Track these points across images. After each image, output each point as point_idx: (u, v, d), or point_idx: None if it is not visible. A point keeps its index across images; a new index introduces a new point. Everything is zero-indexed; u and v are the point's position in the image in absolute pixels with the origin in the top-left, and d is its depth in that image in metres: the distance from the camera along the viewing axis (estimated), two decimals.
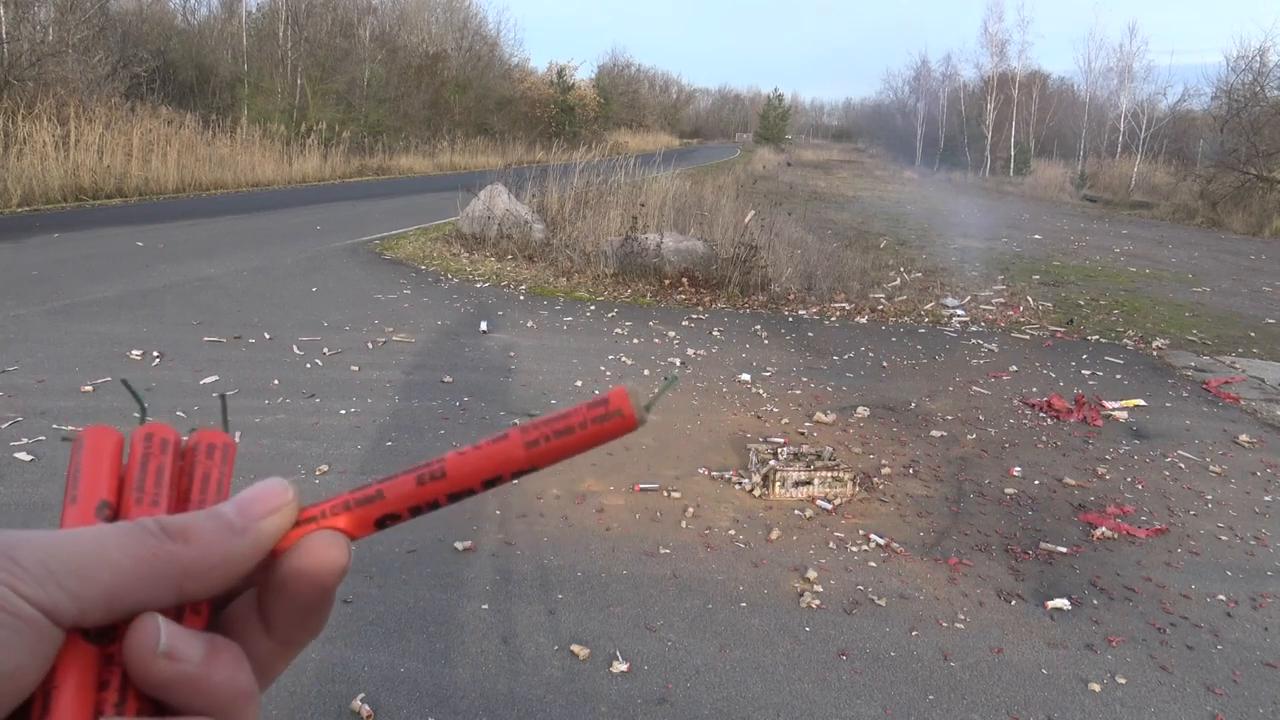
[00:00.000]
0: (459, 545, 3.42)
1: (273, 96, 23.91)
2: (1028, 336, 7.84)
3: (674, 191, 11.70)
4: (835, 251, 10.64)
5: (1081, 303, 9.58)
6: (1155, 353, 7.50)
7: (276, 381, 5.31)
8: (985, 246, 13.88)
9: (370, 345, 6.26)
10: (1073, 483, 4.48)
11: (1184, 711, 2.69)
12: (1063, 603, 3.27)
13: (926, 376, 6.31)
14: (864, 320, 8.17)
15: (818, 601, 3.19)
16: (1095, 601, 3.32)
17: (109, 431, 0.34)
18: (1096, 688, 2.78)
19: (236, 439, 0.36)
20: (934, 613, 3.16)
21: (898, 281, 10.09)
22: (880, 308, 8.69)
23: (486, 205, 11.20)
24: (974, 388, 6.10)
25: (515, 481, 0.33)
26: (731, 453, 4.58)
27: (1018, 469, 4.62)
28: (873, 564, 3.51)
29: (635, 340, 6.88)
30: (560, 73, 40.13)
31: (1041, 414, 5.57)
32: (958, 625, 3.09)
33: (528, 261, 10.10)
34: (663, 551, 3.50)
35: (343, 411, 4.86)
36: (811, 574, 3.37)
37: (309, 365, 5.71)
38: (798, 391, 5.76)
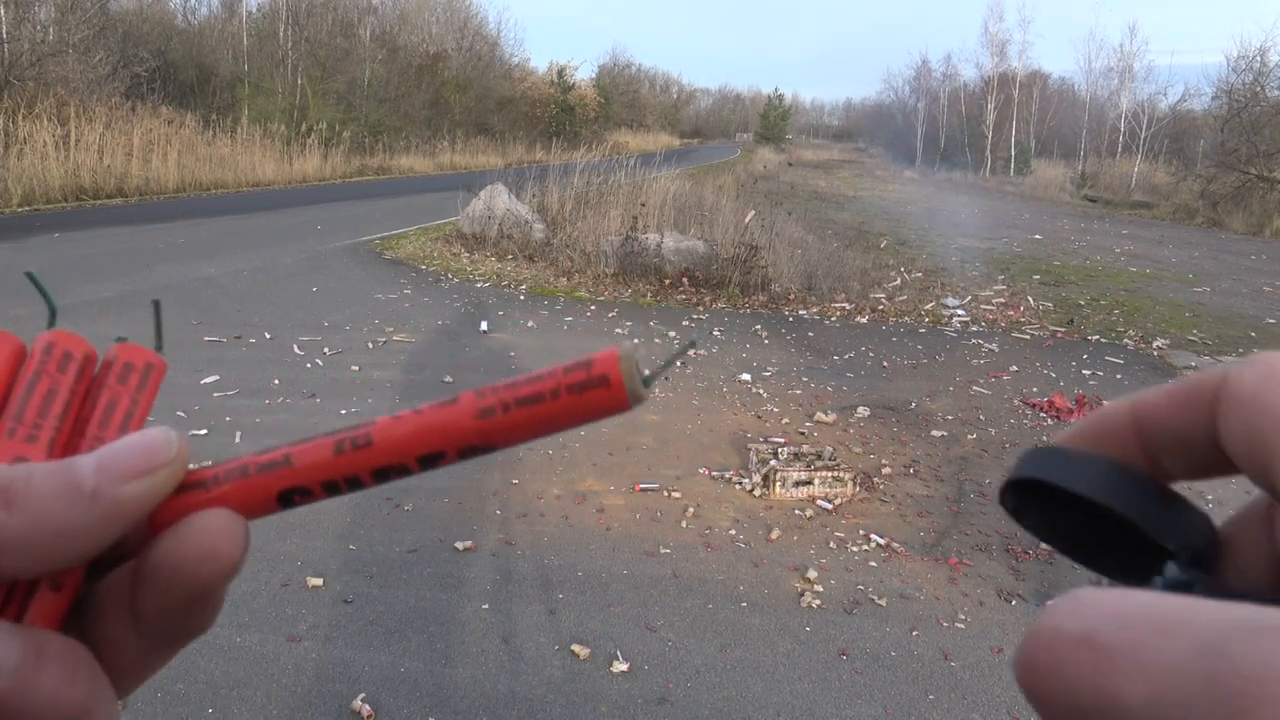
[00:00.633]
0: (459, 545, 3.43)
1: (273, 96, 23.92)
2: (1028, 336, 7.84)
3: (674, 191, 11.70)
4: (836, 251, 10.64)
5: (1082, 303, 9.58)
6: (1156, 353, 7.50)
7: (277, 381, 5.32)
8: (986, 246, 13.88)
9: (371, 345, 6.26)
10: None
11: None
12: None
13: (927, 376, 6.31)
14: (864, 320, 8.17)
15: (818, 601, 3.19)
16: None
17: (4, 337, 0.26)
18: None
19: (164, 358, 0.28)
20: (934, 612, 3.16)
21: (898, 281, 10.09)
22: (881, 308, 8.69)
23: (487, 205, 11.20)
24: (974, 388, 6.10)
25: (461, 462, 0.25)
26: (732, 452, 4.58)
27: None
28: (873, 564, 3.51)
29: (636, 340, 6.89)
30: (560, 72, 40.16)
31: (1042, 414, 5.57)
32: (958, 625, 3.09)
33: (528, 261, 10.10)
34: (663, 551, 3.50)
35: (343, 411, 4.86)
36: (812, 574, 3.37)
37: (309, 365, 5.71)
38: (798, 391, 5.77)
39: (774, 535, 3.69)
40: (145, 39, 21.04)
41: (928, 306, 8.84)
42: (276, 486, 0.25)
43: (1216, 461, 0.24)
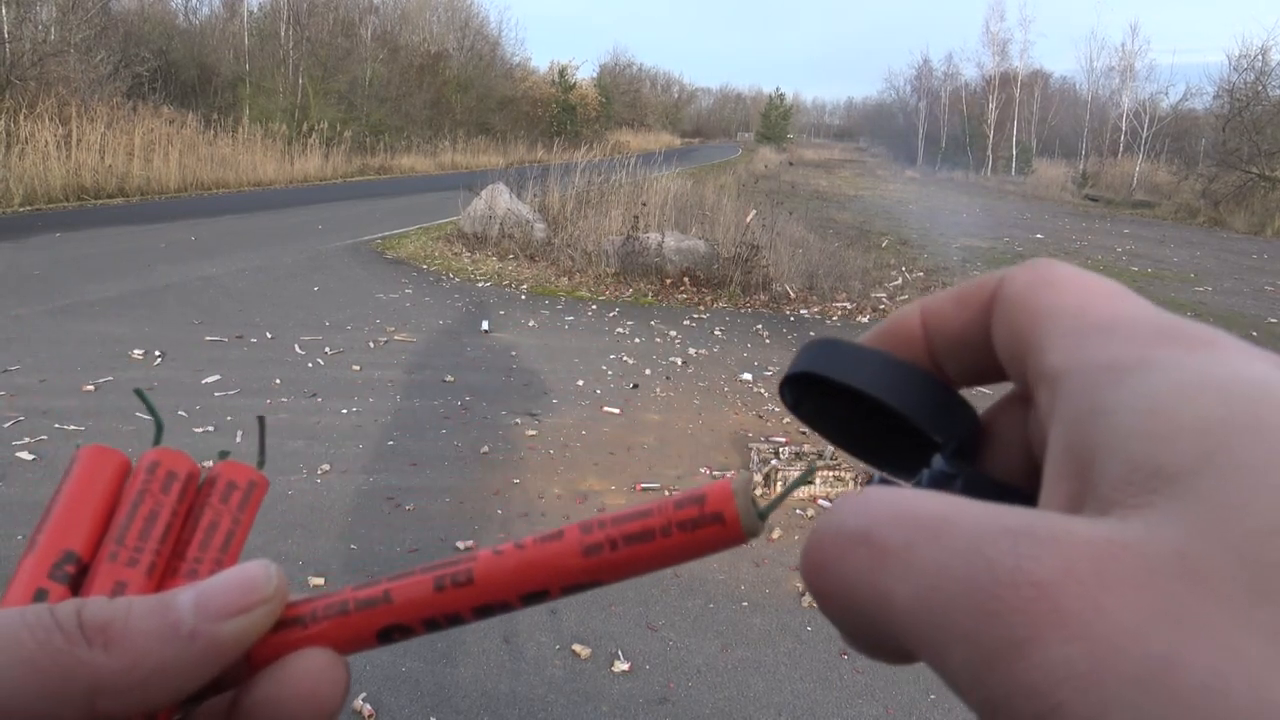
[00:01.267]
0: (461, 545, 3.43)
1: (274, 96, 23.95)
2: None
3: (675, 191, 11.71)
4: (837, 251, 10.64)
5: None
6: None
7: (278, 381, 5.32)
8: (987, 246, 13.88)
9: (372, 345, 6.27)
10: None
11: None
12: None
13: None
14: (866, 320, 8.17)
15: None
16: None
17: (110, 454, 0.26)
18: None
19: (267, 476, 0.28)
20: None
21: (899, 281, 10.09)
22: (882, 307, 8.68)
23: (488, 205, 11.20)
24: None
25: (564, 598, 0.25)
26: (733, 452, 4.59)
27: None
28: None
29: (637, 340, 6.89)
30: (562, 72, 40.17)
31: None
32: None
33: (529, 261, 10.11)
34: None
35: (344, 411, 4.87)
36: None
37: (311, 365, 5.72)
38: None
39: (775, 535, 3.69)
40: (146, 39, 21.07)
41: None
42: (376, 624, 0.24)
43: (994, 364, 0.24)
